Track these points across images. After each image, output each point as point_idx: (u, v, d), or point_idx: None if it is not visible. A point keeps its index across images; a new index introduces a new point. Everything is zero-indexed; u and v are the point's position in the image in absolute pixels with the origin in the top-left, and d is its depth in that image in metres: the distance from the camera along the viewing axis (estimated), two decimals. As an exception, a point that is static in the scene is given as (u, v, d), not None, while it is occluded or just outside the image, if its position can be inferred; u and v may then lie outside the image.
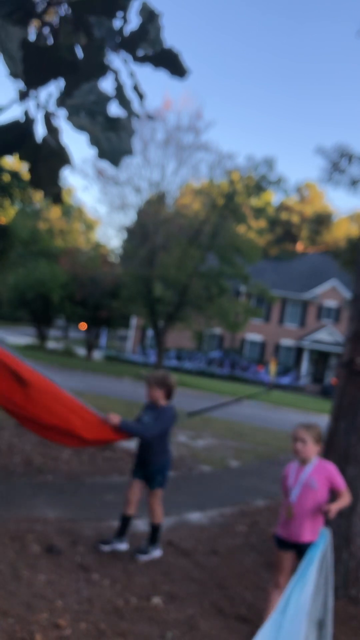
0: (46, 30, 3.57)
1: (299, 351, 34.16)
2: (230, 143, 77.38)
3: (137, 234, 22.68)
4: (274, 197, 54.30)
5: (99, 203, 77.95)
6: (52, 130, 3.78)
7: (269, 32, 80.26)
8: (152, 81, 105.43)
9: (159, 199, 22.32)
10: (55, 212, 43.73)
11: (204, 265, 21.62)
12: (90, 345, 28.35)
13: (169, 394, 4.25)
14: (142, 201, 22.80)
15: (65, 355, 26.33)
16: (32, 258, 27.71)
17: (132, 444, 6.51)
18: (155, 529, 4.25)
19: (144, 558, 4.14)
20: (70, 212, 49.66)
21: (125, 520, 4.24)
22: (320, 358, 33.81)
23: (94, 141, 3.73)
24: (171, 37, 72.82)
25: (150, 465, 4.21)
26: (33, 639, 2.85)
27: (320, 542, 3.11)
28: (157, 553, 4.25)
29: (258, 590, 3.94)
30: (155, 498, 4.23)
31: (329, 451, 4.47)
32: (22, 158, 3.90)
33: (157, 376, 4.32)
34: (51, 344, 30.64)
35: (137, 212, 23.08)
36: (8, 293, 27.53)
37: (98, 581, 3.65)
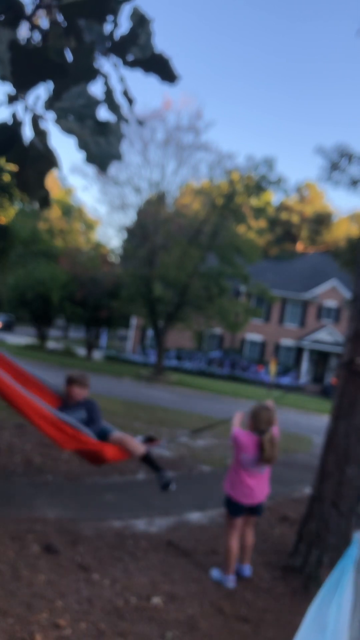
0: (36, 34, 3.54)
1: (299, 351, 34.14)
2: (230, 143, 77.25)
3: (137, 234, 22.66)
4: (274, 197, 54.25)
5: (99, 203, 78.07)
6: (40, 133, 3.75)
7: (268, 32, 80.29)
8: (152, 81, 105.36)
9: (158, 199, 22.29)
10: (55, 212, 43.69)
11: (204, 265, 21.59)
12: (90, 345, 28.32)
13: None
14: (142, 201, 22.79)
15: (66, 355, 26.30)
16: (32, 258, 27.68)
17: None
18: None
19: None
20: (70, 212, 49.65)
21: None
22: (320, 358, 33.79)
23: (83, 145, 3.70)
24: (170, 37, 72.53)
25: None
26: (33, 639, 2.85)
27: (352, 550, 2.61)
28: None
29: (258, 590, 3.94)
30: None
31: (328, 451, 4.48)
32: (9, 160, 3.88)
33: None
34: (51, 344, 30.63)
35: (137, 212, 23.07)
36: (8, 293, 27.49)
37: (98, 581, 3.65)
